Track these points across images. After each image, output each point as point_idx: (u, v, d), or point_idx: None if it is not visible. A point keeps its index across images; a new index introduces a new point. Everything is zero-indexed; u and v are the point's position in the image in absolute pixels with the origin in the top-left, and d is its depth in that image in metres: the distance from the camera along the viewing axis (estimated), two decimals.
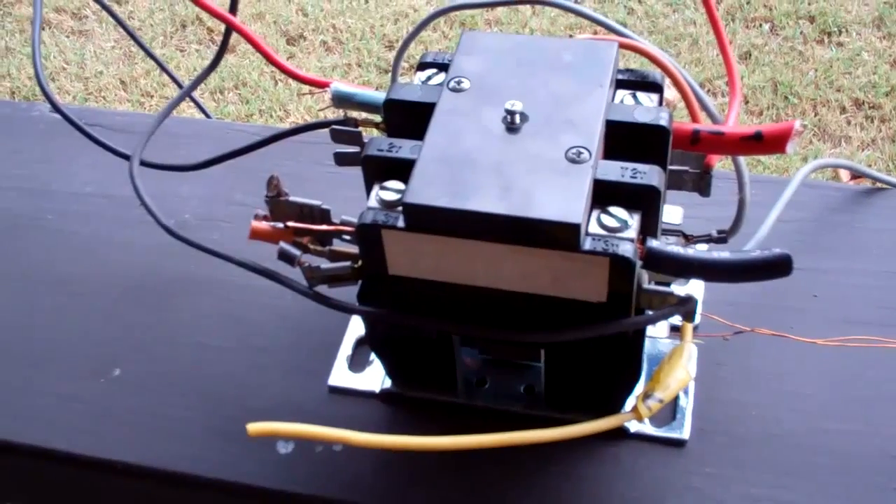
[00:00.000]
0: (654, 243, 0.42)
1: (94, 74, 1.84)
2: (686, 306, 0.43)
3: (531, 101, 0.44)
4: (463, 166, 0.41)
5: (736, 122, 0.49)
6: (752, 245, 0.51)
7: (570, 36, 0.46)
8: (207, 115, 0.81)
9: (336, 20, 1.93)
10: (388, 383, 0.52)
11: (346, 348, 0.53)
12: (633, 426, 0.49)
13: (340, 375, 0.52)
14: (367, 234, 0.42)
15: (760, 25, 1.82)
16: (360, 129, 0.50)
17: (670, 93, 0.49)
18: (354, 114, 0.51)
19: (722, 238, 0.50)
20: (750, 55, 1.76)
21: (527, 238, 0.40)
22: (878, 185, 0.60)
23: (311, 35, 1.90)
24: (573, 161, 0.41)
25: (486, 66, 0.46)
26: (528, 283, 0.42)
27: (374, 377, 0.52)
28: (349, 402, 0.52)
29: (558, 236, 0.40)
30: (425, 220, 0.41)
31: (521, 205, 0.40)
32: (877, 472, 0.47)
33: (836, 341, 0.50)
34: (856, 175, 1.56)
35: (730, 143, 0.46)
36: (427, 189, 0.41)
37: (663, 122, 0.44)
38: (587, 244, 0.40)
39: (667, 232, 0.51)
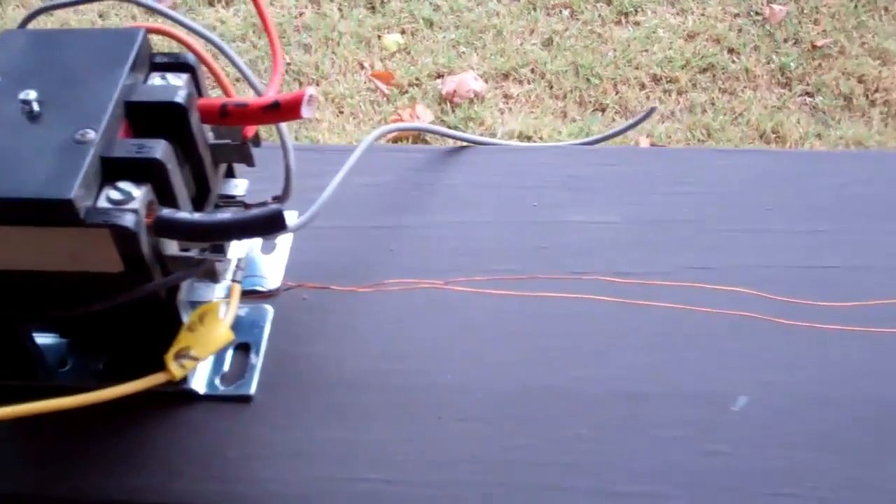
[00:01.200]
0: (163, 212, 0.45)
1: None
2: (203, 267, 0.46)
3: (52, 89, 0.46)
4: None
5: (276, 94, 0.52)
6: (314, 208, 0.54)
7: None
8: None
9: None
10: None
11: None
12: (202, 388, 0.52)
13: None
14: None
15: (560, 11, 1.89)
16: None
17: None
18: None
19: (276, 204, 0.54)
20: (552, 41, 1.82)
21: (28, 218, 0.42)
22: (459, 143, 0.65)
23: None
24: (78, 142, 0.44)
25: (16, 61, 0.48)
26: (49, 261, 0.44)
27: None
28: None
29: (55, 213, 0.42)
30: None
31: (15, 186, 0.42)
32: (428, 405, 0.51)
33: (371, 287, 0.55)
34: (655, 143, 1.65)
35: (254, 114, 0.50)
36: None
37: (178, 100, 0.47)
38: (88, 218, 0.42)
39: (230, 203, 0.54)
